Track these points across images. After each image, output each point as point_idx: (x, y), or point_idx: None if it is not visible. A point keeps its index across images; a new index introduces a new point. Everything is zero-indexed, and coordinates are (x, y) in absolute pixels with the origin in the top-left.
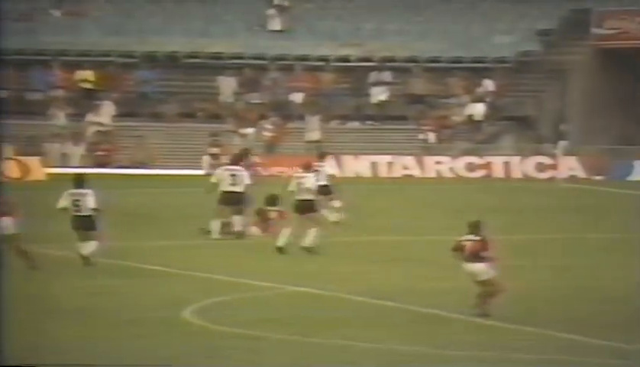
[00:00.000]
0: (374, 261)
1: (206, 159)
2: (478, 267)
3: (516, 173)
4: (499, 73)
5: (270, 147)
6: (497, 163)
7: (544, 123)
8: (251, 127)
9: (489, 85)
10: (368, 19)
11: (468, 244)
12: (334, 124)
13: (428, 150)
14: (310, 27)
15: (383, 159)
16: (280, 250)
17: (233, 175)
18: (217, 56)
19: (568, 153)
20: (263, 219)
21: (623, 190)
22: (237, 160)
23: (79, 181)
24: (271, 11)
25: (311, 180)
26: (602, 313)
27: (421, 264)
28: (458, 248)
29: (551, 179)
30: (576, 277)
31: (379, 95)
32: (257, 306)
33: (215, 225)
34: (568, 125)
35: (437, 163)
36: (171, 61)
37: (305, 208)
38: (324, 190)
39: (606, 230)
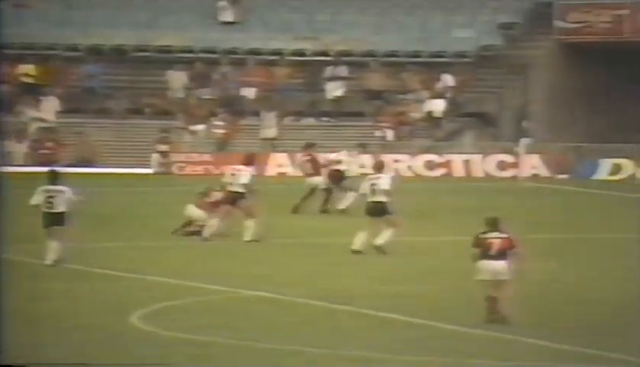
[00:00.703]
0: (330, 264)
1: (155, 157)
2: (502, 265)
3: (477, 172)
4: (459, 68)
5: (222, 144)
6: (457, 161)
7: (506, 120)
8: (202, 123)
9: (448, 80)
10: (324, 12)
11: (496, 241)
12: (288, 120)
13: (386, 148)
14: (263, 19)
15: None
16: (356, 252)
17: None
18: (166, 50)
19: (531, 151)
20: (206, 200)
21: (588, 189)
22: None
23: (54, 178)
24: (222, 3)
25: (385, 181)
26: (567, 314)
27: (379, 267)
28: (481, 245)
29: (513, 178)
30: (541, 281)
31: (335, 90)
32: (209, 310)
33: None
34: (531, 122)
35: (396, 161)
36: (118, 55)
37: (379, 211)
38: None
39: (571, 231)
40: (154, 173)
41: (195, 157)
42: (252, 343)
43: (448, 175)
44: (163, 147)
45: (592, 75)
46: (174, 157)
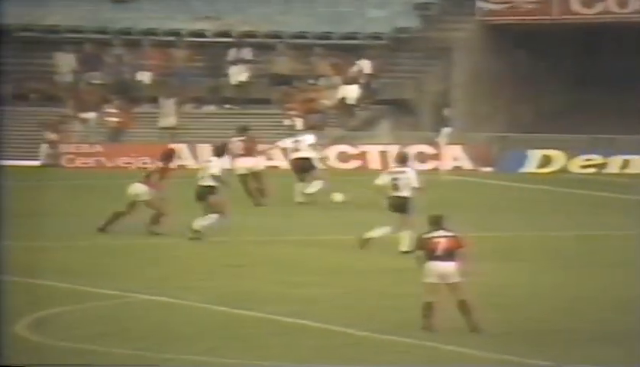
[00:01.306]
0: (233, 266)
1: (44, 147)
2: (451, 267)
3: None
4: (374, 52)
5: (115, 134)
6: (373, 152)
7: (425, 107)
8: (93, 111)
9: (362, 64)
10: None
11: (442, 241)
12: (187, 108)
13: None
14: None
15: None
16: (406, 254)
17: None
18: (52, 30)
19: (452, 141)
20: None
21: (515, 183)
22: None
23: None
24: None
25: (412, 176)
26: (496, 321)
27: (285, 269)
28: (426, 246)
29: (434, 170)
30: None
31: (238, 75)
32: (102, 317)
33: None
34: (452, 110)
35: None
36: (0, 35)
37: (401, 206)
38: None
39: (494, 228)
40: (42, 166)
41: (86, 148)
42: (149, 353)
43: (363, 167)
44: (52, 137)
45: (518, 59)
46: (63, 147)
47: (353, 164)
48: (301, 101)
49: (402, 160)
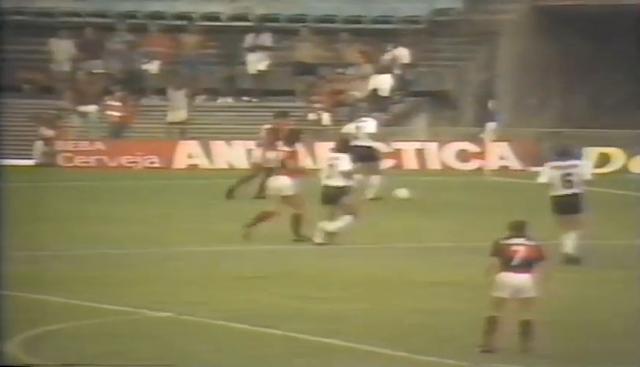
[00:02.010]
0: (248, 278)
1: (39, 145)
2: (527, 279)
3: (433, 164)
4: (410, 37)
5: (117, 129)
6: (409, 150)
7: (467, 100)
8: (93, 104)
9: (396, 51)
10: None
11: (521, 249)
12: (200, 100)
13: (321, 134)
14: None
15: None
16: (574, 261)
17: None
18: (48, 13)
19: (498, 138)
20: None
21: None
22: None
23: None
24: None
25: (584, 169)
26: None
27: (306, 281)
28: (503, 253)
29: (478, 170)
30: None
31: (257, 63)
32: (105, 335)
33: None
34: (497, 102)
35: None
36: None
37: (569, 207)
38: None
39: (544, 235)
40: (36, 165)
41: (86, 145)
42: None
43: (398, 167)
44: (48, 133)
45: (572, 45)
46: (60, 145)
47: (387, 162)
48: (327, 92)
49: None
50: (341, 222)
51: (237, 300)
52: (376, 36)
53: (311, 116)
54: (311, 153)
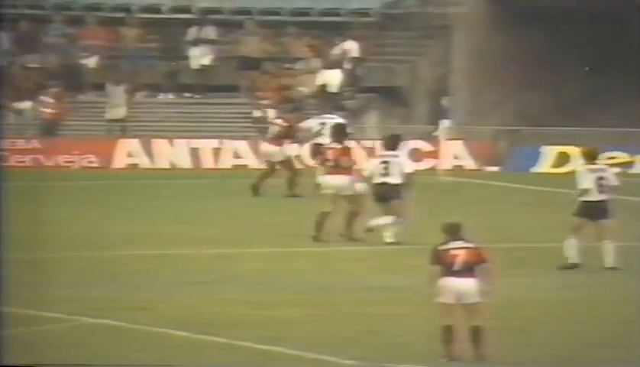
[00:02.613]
0: (193, 283)
1: None
2: (471, 284)
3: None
4: (360, 31)
5: (51, 127)
6: (359, 148)
7: (420, 96)
8: (29, 100)
9: (346, 46)
10: None
11: (461, 253)
12: (140, 96)
13: (267, 131)
14: None
15: (206, 144)
16: (574, 266)
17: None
18: None
19: (452, 136)
20: None
21: (526, 185)
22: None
23: None
24: None
25: (610, 175)
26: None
27: (254, 286)
28: (442, 260)
29: (430, 170)
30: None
31: (200, 58)
32: (41, 345)
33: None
34: (452, 99)
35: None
36: None
37: (603, 212)
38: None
39: (501, 238)
40: None
41: (21, 143)
42: None
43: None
44: None
45: (530, 39)
46: None
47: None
48: (274, 88)
49: (592, 156)
50: (387, 220)
51: (179, 306)
52: (325, 29)
53: (257, 113)
54: (257, 151)
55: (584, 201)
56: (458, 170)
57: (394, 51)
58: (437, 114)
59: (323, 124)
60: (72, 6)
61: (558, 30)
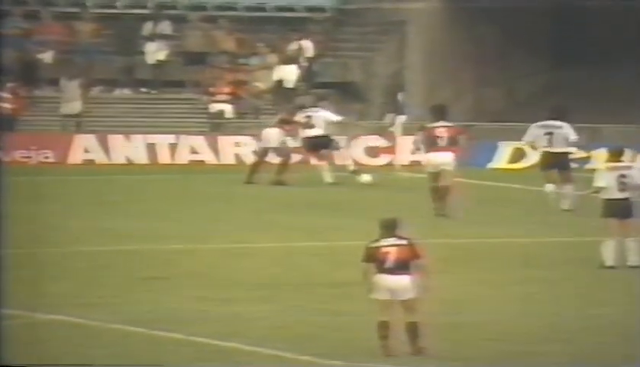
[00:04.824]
0: (150, 279)
1: None
2: (403, 281)
3: (340, 158)
4: (316, 26)
5: (9, 122)
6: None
7: (376, 92)
8: None
9: (302, 42)
10: None
11: (392, 250)
12: (95, 91)
13: (223, 127)
14: None
15: (163, 139)
16: (610, 269)
17: None
18: None
19: (408, 131)
20: None
21: (482, 181)
22: None
23: None
24: None
25: (635, 173)
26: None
27: (211, 282)
28: (374, 257)
29: (387, 166)
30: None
31: (155, 53)
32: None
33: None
34: (407, 95)
35: (236, 144)
36: None
37: (623, 210)
38: None
39: (455, 234)
40: None
41: None
42: None
43: (305, 161)
44: None
45: (484, 35)
46: None
47: (292, 157)
48: (230, 84)
49: (618, 155)
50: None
51: (136, 302)
52: (281, 25)
53: (214, 108)
54: (214, 146)
55: (606, 199)
56: (414, 165)
57: (349, 47)
58: (393, 109)
59: (309, 117)
60: (27, 1)
61: (513, 27)
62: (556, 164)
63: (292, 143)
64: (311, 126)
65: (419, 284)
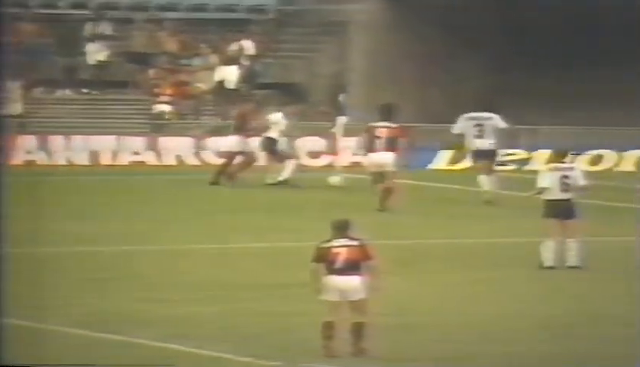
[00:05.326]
0: (90, 280)
1: None
2: (353, 282)
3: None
4: (257, 27)
5: None
6: (257, 144)
7: (318, 93)
8: None
9: (243, 42)
10: None
11: (343, 251)
12: (37, 92)
13: (164, 128)
14: None
15: (104, 140)
16: (550, 269)
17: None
18: None
19: (350, 133)
20: None
21: (423, 182)
22: None
23: None
24: None
25: (578, 174)
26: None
27: (156, 284)
28: (325, 257)
29: (328, 167)
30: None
31: (97, 53)
32: None
33: None
34: (349, 96)
35: (177, 145)
36: None
37: (565, 211)
38: None
39: (397, 234)
40: None
41: None
42: None
43: (247, 163)
44: None
45: (425, 36)
46: None
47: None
48: (171, 84)
49: (561, 155)
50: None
51: (77, 304)
52: (222, 25)
53: (155, 109)
54: (155, 148)
55: (547, 200)
56: (355, 166)
57: (291, 48)
58: (335, 110)
59: (269, 119)
60: None
61: (455, 28)
62: (483, 158)
63: (250, 147)
64: (269, 129)
65: (369, 285)
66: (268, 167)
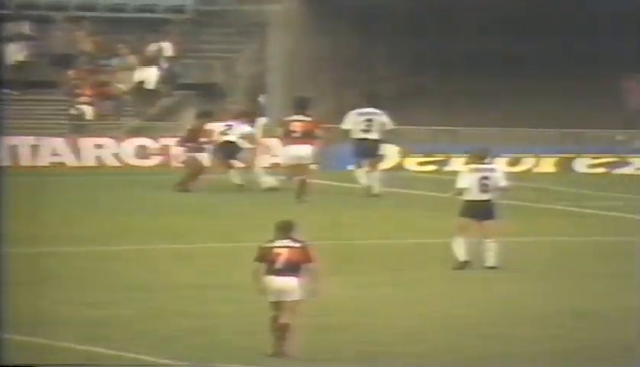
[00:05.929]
0: (12, 283)
1: None
2: (292, 283)
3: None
4: (176, 27)
5: None
6: (177, 147)
7: (237, 93)
8: None
9: (162, 43)
10: None
11: (284, 251)
12: None
13: (84, 129)
14: None
15: (24, 141)
16: (465, 264)
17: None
18: None
19: (269, 133)
20: None
21: (341, 183)
22: None
23: None
24: None
25: (498, 175)
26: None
27: (78, 285)
28: (266, 257)
29: (247, 168)
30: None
31: (16, 53)
32: None
33: None
34: (268, 97)
35: (97, 146)
36: None
37: (484, 211)
38: None
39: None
40: None
41: None
42: None
43: (166, 165)
44: None
45: (342, 38)
46: None
47: (154, 160)
48: (90, 85)
49: (481, 157)
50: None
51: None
52: (141, 26)
53: (74, 110)
54: (75, 149)
55: (467, 201)
56: (275, 167)
57: (210, 48)
58: (254, 111)
59: (229, 125)
60: None
61: (373, 30)
62: (368, 153)
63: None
64: (227, 134)
65: (308, 288)
66: (219, 171)
